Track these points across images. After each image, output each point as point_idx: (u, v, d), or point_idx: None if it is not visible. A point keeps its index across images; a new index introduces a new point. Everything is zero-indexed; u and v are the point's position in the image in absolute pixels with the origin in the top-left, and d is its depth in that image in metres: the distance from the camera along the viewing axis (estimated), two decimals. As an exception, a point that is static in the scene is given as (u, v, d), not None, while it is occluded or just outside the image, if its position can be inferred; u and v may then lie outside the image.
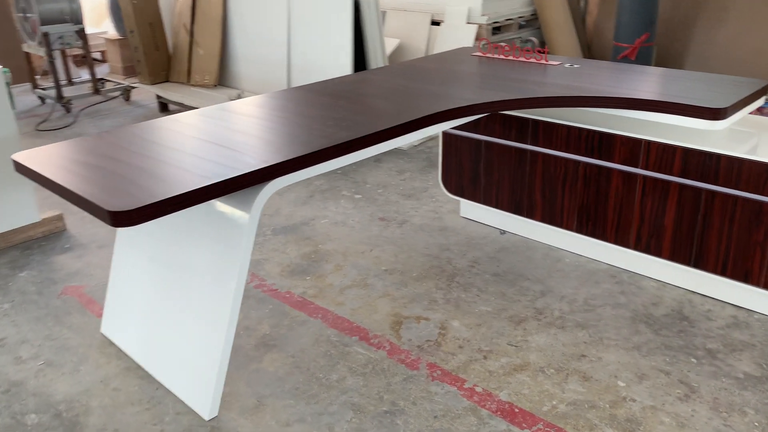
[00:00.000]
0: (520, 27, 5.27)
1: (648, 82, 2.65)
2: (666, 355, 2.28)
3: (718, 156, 2.40)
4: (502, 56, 3.24)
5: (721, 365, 2.22)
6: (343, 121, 2.24)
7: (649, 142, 2.57)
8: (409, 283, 2.79)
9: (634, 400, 2.07)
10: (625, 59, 4.60)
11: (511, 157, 3.04)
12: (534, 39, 5.20)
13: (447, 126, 2.48)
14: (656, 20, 4.55)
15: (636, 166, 2.64)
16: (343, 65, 4.38)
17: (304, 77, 4.70)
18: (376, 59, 4.51)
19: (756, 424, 1.96)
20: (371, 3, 4.37)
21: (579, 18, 5.34)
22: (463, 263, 2.94)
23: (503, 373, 2.21)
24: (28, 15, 5.59)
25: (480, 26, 4.88)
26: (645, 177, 2.62)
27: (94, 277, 2.91)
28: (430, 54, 5.14)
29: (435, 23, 5.15)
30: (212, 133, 2.15)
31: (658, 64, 4.99)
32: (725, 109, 2.31)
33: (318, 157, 2.01)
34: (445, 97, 2.46)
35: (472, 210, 3.37)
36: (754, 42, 4.48)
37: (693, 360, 2.25)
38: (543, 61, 3.11)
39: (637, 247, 2.73)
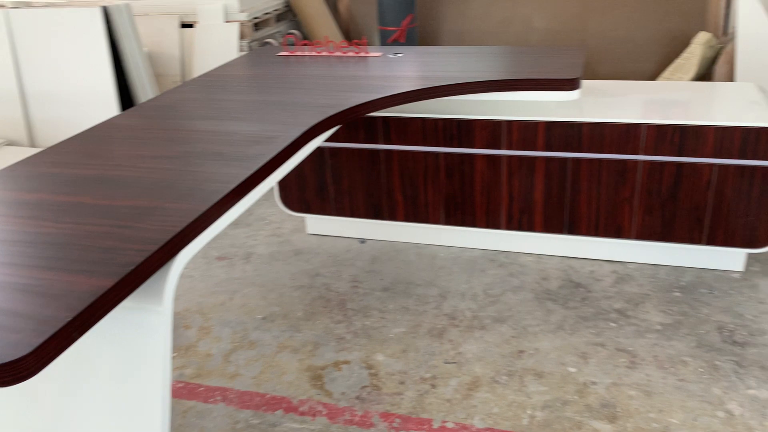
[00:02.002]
0: (277, 20, 4.97)
1: (487, 62, 2.61)
2: (588, 328, 2.30)
3: (580, 124, 2.47)
4: (314, 53, 2.96)
5: (637, 322, 2.31)
6: (208, 155, 1.78)
7: (510, 122, 2.55)
8: (300, 325, 2.41)
9: (594, 383, 2.04)
10: (396, 42, 4.62)
11: (363, 160, 2.80)
12: (296, 32, 4.95)
13: (323, 138, 2.15)
14: (415, 1, 4.64)
15: (499, 148, 2.60)
16: (103, 85, 3.64)
17: (50, 107, 3.82)
18: (138, 74, 3.85)
19: (701, 370, 2.07)
20: (122, 10, 3.69)
21: (332, 5, 5.23)
22: (344, 285, 2.63)
23: (462, 398, 2.01)
24: None
25: (242, 23, 4.47)
26: (509, 157, 2.60)
27: None
28: (188, 60, 4.57)
29: (186, 25, 4.59)
30: (38, 205, 1.52)
31: (420, 43, 5.13)
32: (578, 78, 2.37)
33: (222, 205, 1.56)
34: (304, 107, 2.11)
35: (321, 224, 3.06)
36: (500, 13, 4.84)
37: (612, 324, 2.31)
38: (363, 54, 2.90)
39: (510, 226, 2.72)
